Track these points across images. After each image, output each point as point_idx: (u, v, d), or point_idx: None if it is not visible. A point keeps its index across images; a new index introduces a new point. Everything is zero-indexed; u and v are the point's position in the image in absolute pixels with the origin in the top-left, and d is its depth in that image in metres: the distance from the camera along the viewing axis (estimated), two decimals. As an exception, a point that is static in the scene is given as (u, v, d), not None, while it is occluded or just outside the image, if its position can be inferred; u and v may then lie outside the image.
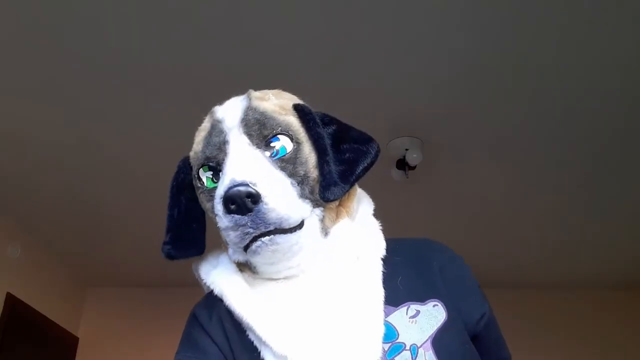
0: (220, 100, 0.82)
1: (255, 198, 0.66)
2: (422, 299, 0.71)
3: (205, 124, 0.80)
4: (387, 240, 0.78)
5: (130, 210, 3.45)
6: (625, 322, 4.17)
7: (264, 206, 0.66)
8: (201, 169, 0.75)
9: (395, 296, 0.70)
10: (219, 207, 0.68)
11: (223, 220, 0.68)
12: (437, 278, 0.75)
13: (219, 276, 0.77)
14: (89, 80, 2.46)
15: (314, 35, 2.25)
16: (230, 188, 0.66)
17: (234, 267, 0.78)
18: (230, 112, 0.77)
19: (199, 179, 0.76)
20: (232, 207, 0.66)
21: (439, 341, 0.68)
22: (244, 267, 0.76)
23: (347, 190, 0.74)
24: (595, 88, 2.48)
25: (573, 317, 4.20)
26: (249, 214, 0.66)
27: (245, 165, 0.69)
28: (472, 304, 0.76)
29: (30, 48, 2.28)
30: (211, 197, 0.74)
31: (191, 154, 0.80)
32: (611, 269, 4.05)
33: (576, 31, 2.19)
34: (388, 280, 0.71)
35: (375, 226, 0.79)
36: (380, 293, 0.69)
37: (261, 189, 0.67)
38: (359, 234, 0.76)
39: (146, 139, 2.84)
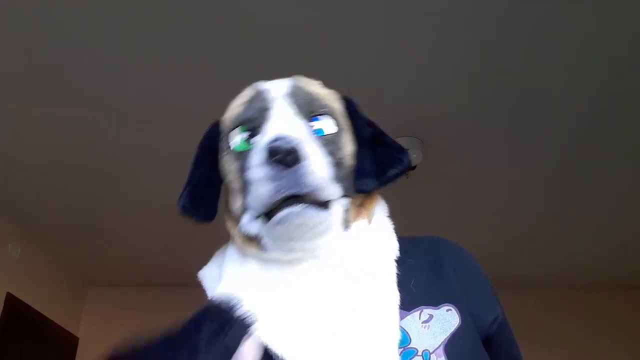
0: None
1: (298, 156, 0.63)
2: (435, 303, 0.69)
3: (246, 92, 0.77)
4: (399, 240, 0.76)
5: (130, 210, 3.45)
6: (624, 323, 4.17)
7: (305, 167, 0.64)
8: (237, 128, 0.73)
9: (408, 300, 0.68)
10: (257, 157, 0.65)
11: (258, 170, 0.64)
12: (451, 281, 0.73)
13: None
14: (89, 82, 2.46)
15: (314, 36, 2.25)
16: (276, 139, 0.64)
17: (238, 274, 0.74)
18: (275, 85, 0.75)
19: (230, 139, 0.73)
20: (274, 158, 0.63)
21: (452, 347, 0.66)
22: (251, 244, 0.72)
23: (378, 187, 0.74)
24: (596, 88, 2.48)
25: (571, 318, 4.21)
26: (288, 170, 0.63)
27: (291, 125, 0.68)
28: (485, 307, 0.74)
29: (33, 50, 2.28)
30: (238, 159, 0.71)
31: (224, 117, 0.77)
32: (610, 269, 4.05)
33: (576, 32, 2.20)
34: (401, 284, 0.69)
35: (389, 227, 0.77)
36: (395, 297, 0.67)
37: (305, 150, 0.64)
38: (377, 234, 0.75)
39: (147, 141, 2.84)
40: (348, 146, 0.74)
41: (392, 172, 0.75)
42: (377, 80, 2.44)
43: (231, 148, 0.73)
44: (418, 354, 0.65)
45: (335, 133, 0.72)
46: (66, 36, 2.23)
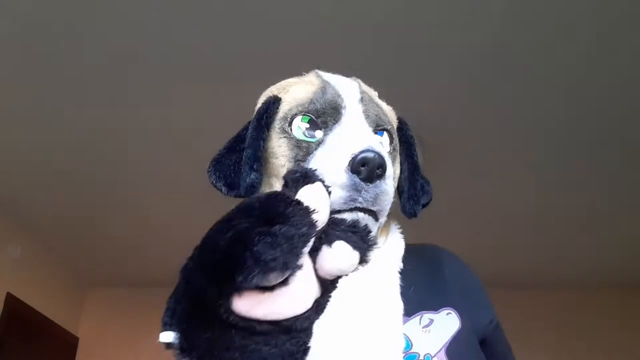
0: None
1: (383, 173, 0.62)
2: (435, 307, 0.71)
3: (312, 79, 0.75)
4: None
5: (131, 210, 3.45)
6: (627, 323, 4.17)
7: (384, 185, 0.63)
8: (300, 116, 0.70)
9: (408, 306, 0.69)
10: (342, 161, 0.63)
11: (340, 175, 0.62)
12: (450, 286, 0.75)
13: None
14: (89, 82, 2.46)
15: (312, 35, 2.25)
16: (366, 151, 0.62)
17: None
18: (344, 84, 0.74)
19: (291, 124, 0.70)
20: (362, 169, 0.61)
21: (453, 350, 0.67)
22: None
23: (418, 214, 0.76)
24: (595, 88, 2.48)
25: (574, 318, 4.21)
26: (369, 184, 0.62)
27: (373, 138, 0.67)
28: (482, 310, 0.76)
29: (33, 56, 2.28)
30: (297, 147, 0.69)
31: (285, 97, 0.74)
32: (612, 269, 4.05)
33: (577, 31, 2.20)
34: (402, 290, 0.70)
35: (401, 243, 0.78)
36: (399, 306, 0.68)
37: (389, 169, 0.64)
38: (391, 249, 0.75)
39: (146, 141, 2.84)
40: (397, 168, 0.74)
41: (422, 202, 0.78)
42: (377, 80, 2.44)
43: (292, 134, 0.70)
44: (420, 358, 0.65)
45: (390, 152, 0.72)
46: (70, 38, 2.23)
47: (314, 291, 0.45)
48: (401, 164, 0.77)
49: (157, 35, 2.23)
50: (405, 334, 0.66)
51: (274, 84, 0.80)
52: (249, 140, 0.72)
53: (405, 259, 0.75)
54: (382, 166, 0.62)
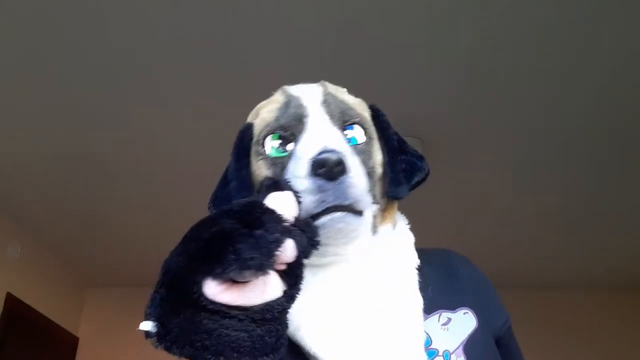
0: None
1: (343, 168, 0.65)
2: (452, 307, 0.73)
3: (277, 97, 0.78)
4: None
5: (130, 210, 3.46)
6: (626, 324, 4.17)
7: (349, 179, 0.65)
8: (270, 135, 0.74)
9: (427, 304, 0.71)
10: (303, 169, 0.66)
11: (303, 181, 0.65)
12: (465, 287, 0.77)
13: None
14: (90, 82, 2.46)
15: (312, 35, 2.25)
16: (322, 152, 0.65)
17: None
18: (308, 92, 0.77)
19: (263, 145, 0.74)
20: (321, 170, 0.64)
21: (471, 347, 0.69)
22: None
23: (407, 194, 0.77)
24: (596, 89, 2.48)
25: (573, 318, 4.21)
26: (333, 182, 0.64)
27: (332, 136, 0.70)
28: (496, 311, 0.79)
29: (32, 55, 2.29)
30: (273, 165, 0.72)
31: (256, 121, 0.77)
32: (612, 269, 4.05)
33: (578, 33, 2.20)
34: (421, 289, 0.72)
35: (410, 235, 0.80)
36: (419, 301, 0.70)
37: (349, 162, 0.66)
38: (400, 240, 0.77)
39: (145, 142, 2.84)
40: (377, 155, 0.76)
41: (414, 179, 0.79)
42: (377, 80, 2.44)
43: (266, 154, 0.73)
44: (439, 354, 0.68)
45: (365, 142, 0.74)
46: (67, 35, 2.23)
47: (279, 281, 0.50)
48: (382, 149, 0.79)
49: (159, 35, 2.23)
50: (425, 331, 0.69)
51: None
52: (231, 172, 0.77)
53: (423, 260, 0.76)
54: (340, 163, 0.64)
